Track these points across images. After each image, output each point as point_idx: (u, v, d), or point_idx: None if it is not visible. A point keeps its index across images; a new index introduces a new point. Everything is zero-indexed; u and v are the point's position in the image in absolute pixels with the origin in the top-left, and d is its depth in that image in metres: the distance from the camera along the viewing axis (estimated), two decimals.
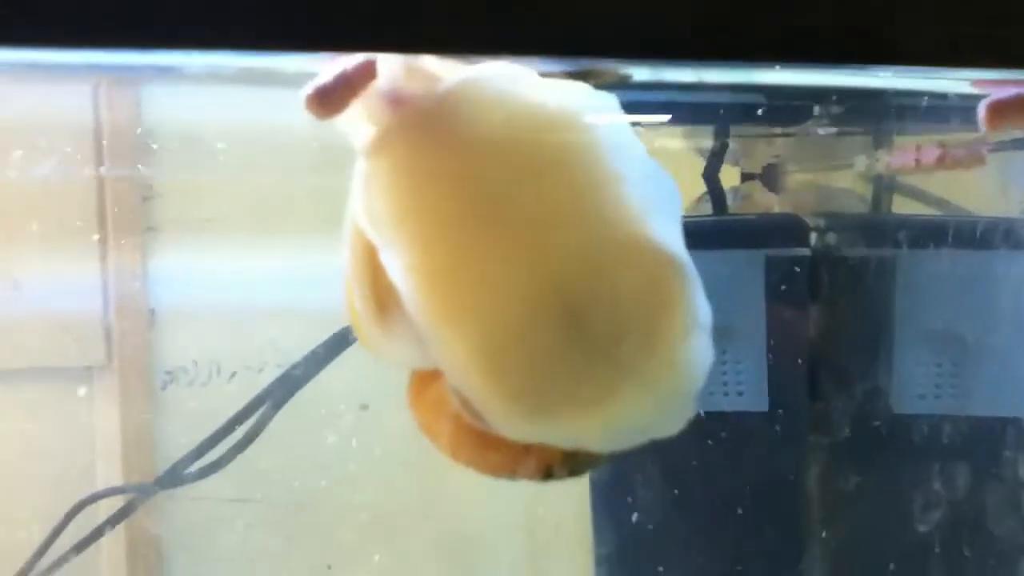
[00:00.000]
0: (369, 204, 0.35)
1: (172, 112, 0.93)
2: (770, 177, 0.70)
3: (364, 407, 1.03)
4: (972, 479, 0.60)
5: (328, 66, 0.34)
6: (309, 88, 0.34)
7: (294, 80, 0.43)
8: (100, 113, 0.97)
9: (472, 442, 0.37)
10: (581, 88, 0.36)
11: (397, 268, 0.35)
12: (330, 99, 0.34)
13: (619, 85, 0.36)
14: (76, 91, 0.84)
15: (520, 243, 0.35)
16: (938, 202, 0.72)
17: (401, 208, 0.35)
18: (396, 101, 0.35)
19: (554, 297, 0.35)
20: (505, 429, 0.35)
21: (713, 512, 0.64)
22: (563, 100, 0.36)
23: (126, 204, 1.03)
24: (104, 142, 0.98)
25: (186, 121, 0.89)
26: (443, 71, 0.36)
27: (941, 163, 0.57)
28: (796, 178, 0.72)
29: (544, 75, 0.36)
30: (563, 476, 0.37)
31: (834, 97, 0.55)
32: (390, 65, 0.35)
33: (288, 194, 1.03)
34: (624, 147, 0.36)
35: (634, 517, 0.66)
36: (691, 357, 0.36)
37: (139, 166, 1.05)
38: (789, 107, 0.58)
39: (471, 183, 0.35)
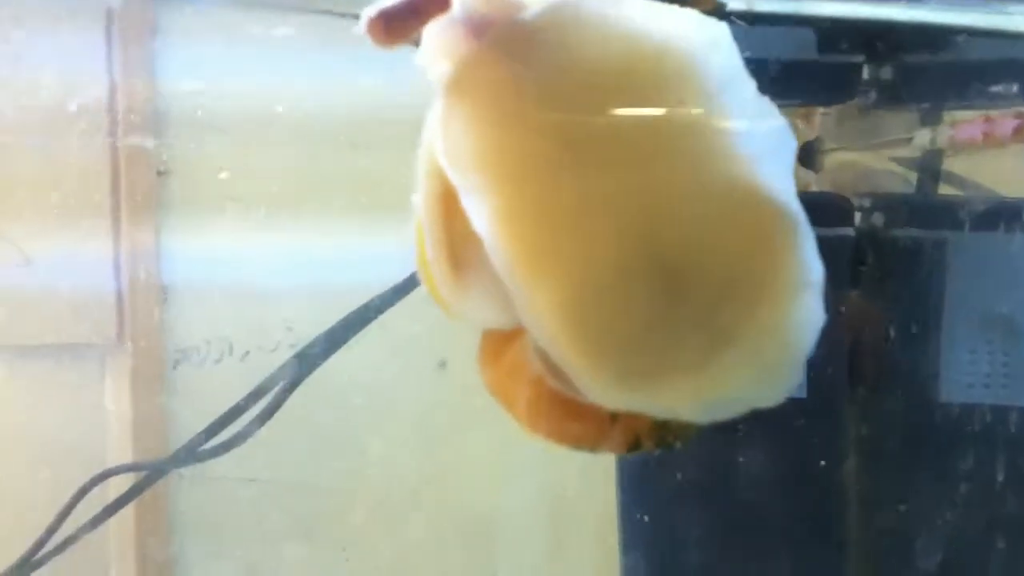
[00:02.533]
0: (450, 144, 0.32)
1: (188, 84, 0.91)
2: (808, 155, 0.68)
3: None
4: (1022, 471, 0.58)
5: None
6: (372, 11, 0.31)
7: (307, 6, 0.40)
8: (115, 85, 0.95)
9: (553, 410, 0.34)
10: (689, 15, 0.33)
11: (481, 213, 0.32)
12: (395, 24, 0.31)
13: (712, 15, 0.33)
14: (90, 49, 0.82)
15: (617, 187, 0.32)
16: (979, 187, 0.69)
17: (486, 148, 0.32)
18: (476, 29, 0.32)
19: (652, 251, 0.32)
20: (593, 393, 0.32)
21: (746, 499, 0.62)
22: (668, 28, 0.33)
23: (140, 180, 1.01)
24: (119, 116, 0.96)
25: (202, 93, 0.88)
26: None
27: (1019, 134, 0.54)
28: (834, 157, 0.70)
29: None
30: (650, 448, 0.34)
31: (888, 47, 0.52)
32: None
33: (307, 172, 1.01)
34: (734, 84, 0.33)
35: (662, 501, 0.64)
36: (800, 320, 0.33)
37: (152, 140, 1.03)
38: (834, 69, 0.55)
39: (563, 121, 0.32)
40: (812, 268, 0.33)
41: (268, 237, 0.98)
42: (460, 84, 0.33)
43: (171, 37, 0.83)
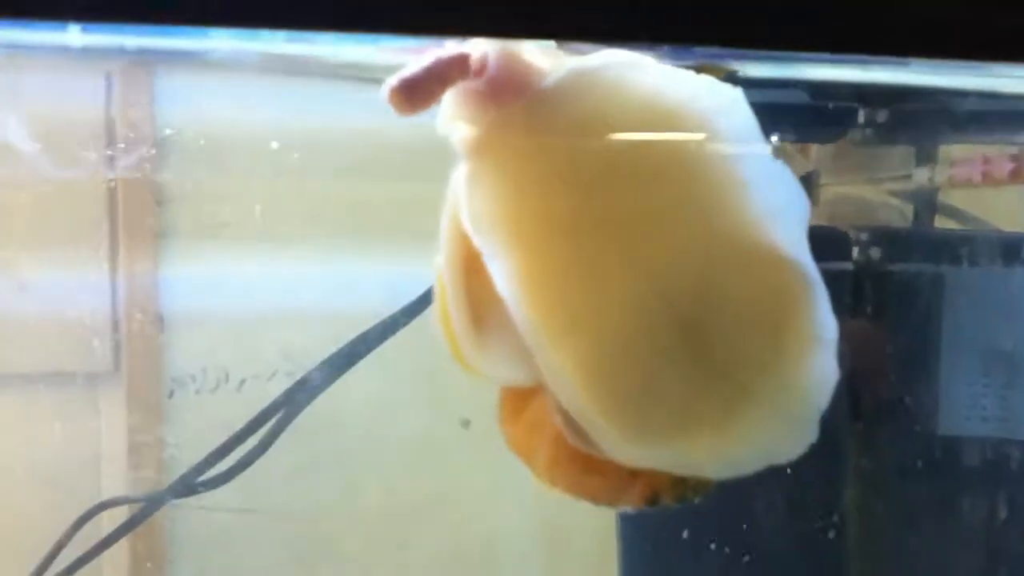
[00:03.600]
0: (473, 208, 0.33)
1: (187, 114, 0.92)
2: (805, 188, 0.68)
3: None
4: (1021, 505, 0.58)
5: (415, 57, 0.32)
6: (394, 80, 0.32)
7: (321, 71, 0.41)
8: (113, 113, 0.95)
9: (573, 466, 0.34)
10: (704, 80, 0.34)
11: (503, 275, 0.33)
12: (417, 93, 0.32)
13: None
14: (90, 89, 0.83)
15: (636, 249, 0.33)
16: (975, 220, 0.70)
17: (508, 212, 0.33)
18: (497, 96, 0.33)
19: (671, 308, 0.33)
20: (614, 451, 0.33)
21: (745, 530, 0.62)
22: (683, 93, 0.33)
23: (139, 208, 1.01)
24: (118, 145, 0.96)
25: (201, 123, 0.88)
26: (547, 63, 0.33)
27: (1016, 177, 0.55)
28: (831, 190, 0.71)
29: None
30: (670, 503, 0.34)
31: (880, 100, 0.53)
32: (489, 57, 0.33)
33: (304, 200, 1.01)
34: (748, 145, 0.34)
35: (661, 530, 0.64)
36: (815, 375, 0.34)
37: (150, 168, 1.04)
38: (832, 111, 0.56)
39: (583, 184, 0.33)
40: (827, 326, 0.34)
41: (265, 266, 0.98)
42: (483, 149, 0.33)
43: (171, 67, 0.84)
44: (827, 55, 0.34)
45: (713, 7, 0.27)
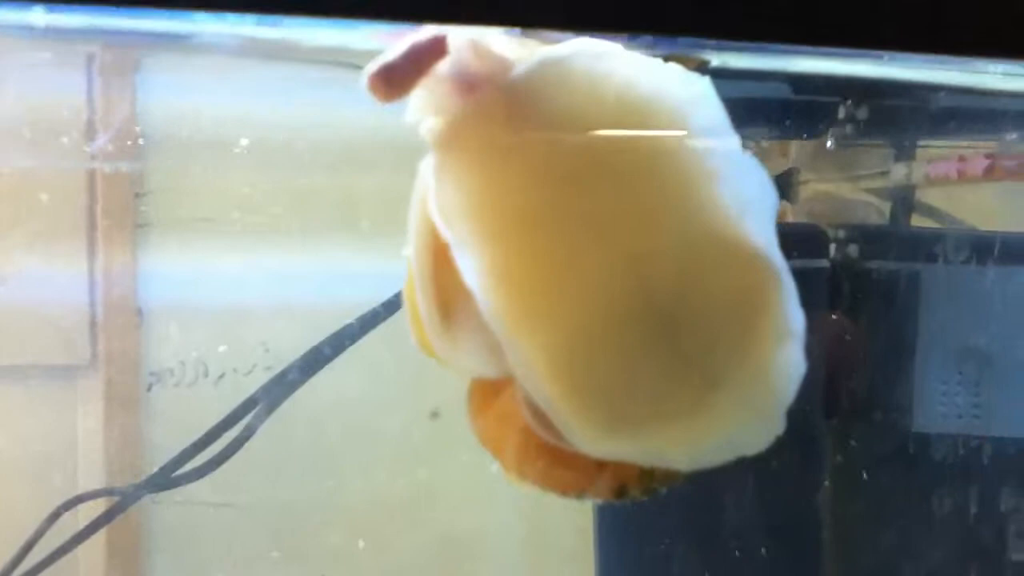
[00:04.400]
0: (442, 199, 0.33)
1: (168, 106, 0.91)
2: (784, 185, 0.69)
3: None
4: (994, 502, 0.59)
5: (396, 41, 0.32)
6: (373, 66, 0.32)
7: (302, 56, 0.41)
8: (95, 106, 0.95)
9: (542, 458, 0.34)
10: (674, 69, 0.34)
11: (471, 268, 0.33)
12: (396, 79, 0.32)
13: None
14: (70, 78, 0.82)
15: (605, 242, 0.33)
16: (952, 219, 0.70)
17: (476, 203, 0.33)
18: (466, 86, 0.33)
19: (640, 302, 0.33)
20: (582, 443, 0.33)
21: (721, 527, 0.63)
22: (655, 83, 0.33)
23: (118, 200, 1.01)
24: (98, 136, 0.96)
25: (183, 115, 0.88)
26: (515, 52, 0.33)
27: (990, 174, 0.55)
28: (810, 187, 0.71)
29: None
30: (637, 495, 0.35)
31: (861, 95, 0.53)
32: (457, 46, 0.33)
33: (282, 193, 1.01)
34: (718, 138, 0.34)
35: (638, 528, 0.64)
36: (783, 368, 0.34)
37: (131, 161, 1.03)
38: (812, 107, 0.57)
39: (553, 176, 0.33)
40: (794, 319, 0.34)
41: (244, 259, 0.98)
42: (451, 140, 0.33)
43: (153, 61, 0.83)
44: (806, 48, 0.34)
45: None
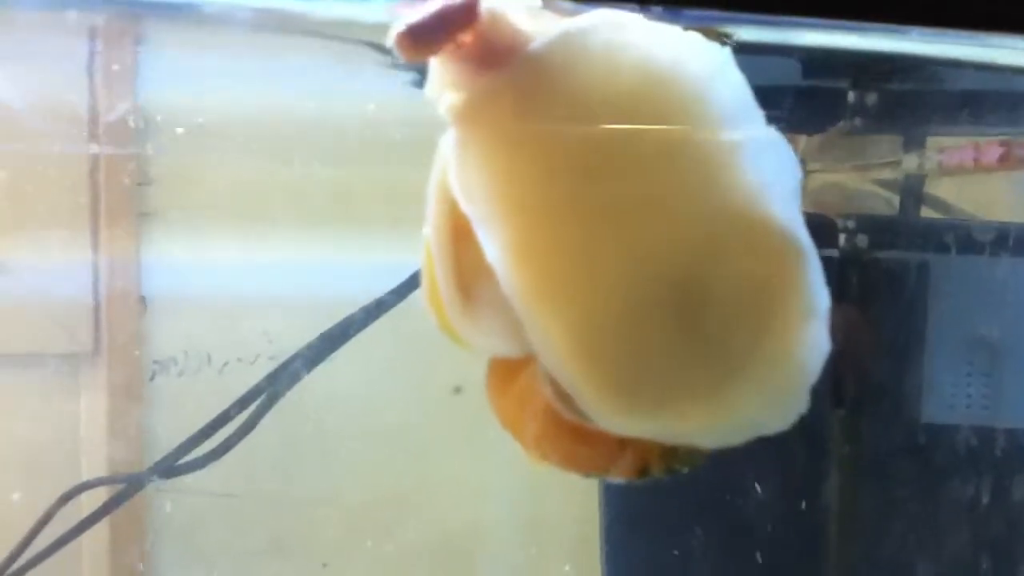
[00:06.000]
0: (463, 176, 0.33)
1: (172, 94, 0.91)
2: None
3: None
4: (1004, 491, 0.59)
5: (414, 8, 0.31)
6: (401, 25, 0.31)
7: (313, 29, 0.40)
8: (96, 93, 0.94)
9: (563, 437, 0.34)
10: (694, 40, 0.33)
11: (493, 244, 0.32)
12: (423, 39, 0.31)
13: None
14: (72, 60, 0.82)
15: (628, 220, 0.32)
16: (960, 209, 0.70)
17: (499, 180, 0.32)
18: (485, 60, 0.32)
19: (663, 279, 0.32)
20: (604, 422, 0.33)
21: (728, 517, 0.62)
22: (674, 55, 0.33)
23: (120, 189, 1.00)
24: (99, 124, 0.95)
25: (186, 103, 0.87)
26: (533, 25, 0.33)
27: (1004, 163, 0.55)
28: (818, 177, 0.71)
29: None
30: (660, 474, 0.34)
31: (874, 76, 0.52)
32: (480, 16, 0.32)
33: (287, 182, 1.01)
34: (741, 111, 0.33)
35: (644, 520, 0.64)
36: (808, 347, 0.33)
37: (134, 149, 1.03)
38: (821, 94, 0.56)
39: (574, 151, 0.32)
40: (819, 297, 0.34)
41: (248, 248, 0.98)
42: (472, 115, 0.33)
43: (155, 46, 0.83)
44: (820, 21, 0.33)
45: None
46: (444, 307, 0.35)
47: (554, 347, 0.32)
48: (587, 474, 0.35)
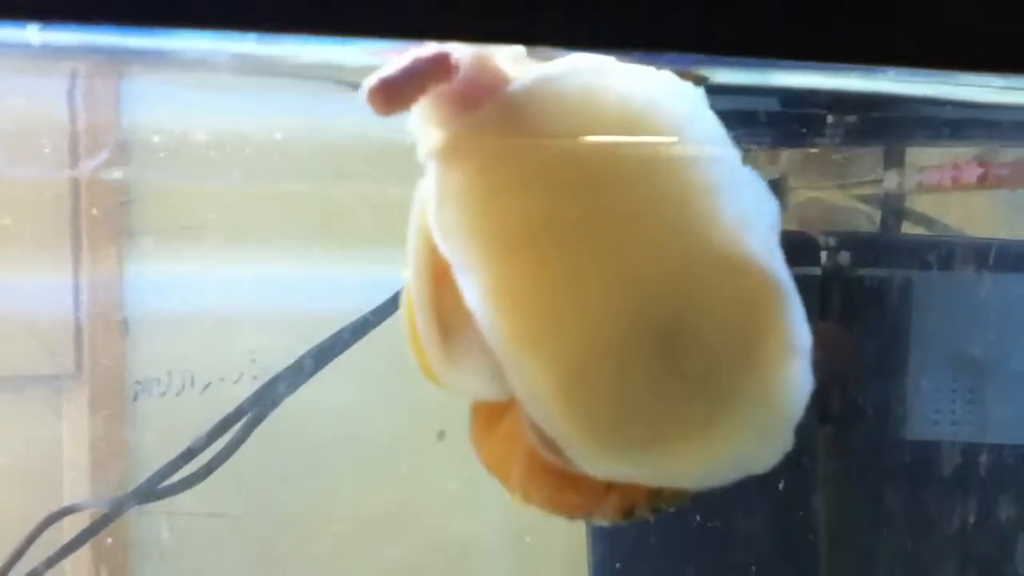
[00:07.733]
0: (441, 217, 0.33)
1: (153, 114, 0.91)
2: (774, 193, 0.69)
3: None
4: (988, 509, 0.59)
5: (392, 57, 0.31)
6: (373, 80, 0.31)
7: (294, 72, 0.40)
8: (78, 112, 0.94)
9: (547, 481, 0.34)
10: (669, 80, 0.33)
11: (472, 287, 0.32)
12: (396, 93, 0.31)
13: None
14: (53, 86, 0.82)
15: (608, 259, 0.32)
16: (942, 226, 0.71)
17: (477, 221, 0.32)
18: (467, 100, 0.32)
19: (643, 320, 0.32)
20: (588, 465, 0.32)
21: (714, 533, 0.62)
22: (650, 98, 0.33)
23: (103, 208, 1.00)
24: (81, 143, 0.95)
25: (167, 123, 0.87)
26: (513, 68, 0.33)
27: (983, 182, 0.55)
28: (799, 194, 0.71)
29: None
30: (645, 516, 0.34)
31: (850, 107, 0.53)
32: (462, 59, 0.32)
33: (270, 202, 1.00)
34: (717, 150, 0.33)
35: (631, 536, 0.64)
36: (790, 384, 0.33)
37: (117, 169, 1.02)
38: (801, 117, 0.57)
39: (553, 194, 0.32)
40: (801, 335, 0.34)
41: (231, 268, 0.97)
42: (451, 156, 0.33)
43: (139, 67, 0.83)
44: (804, 64, 0.34)
45: (704, 12, 0.27)
46: (425, 351, 0.34)
47: (536, 392, 0.32)
48: (572, 517, 0.35)
